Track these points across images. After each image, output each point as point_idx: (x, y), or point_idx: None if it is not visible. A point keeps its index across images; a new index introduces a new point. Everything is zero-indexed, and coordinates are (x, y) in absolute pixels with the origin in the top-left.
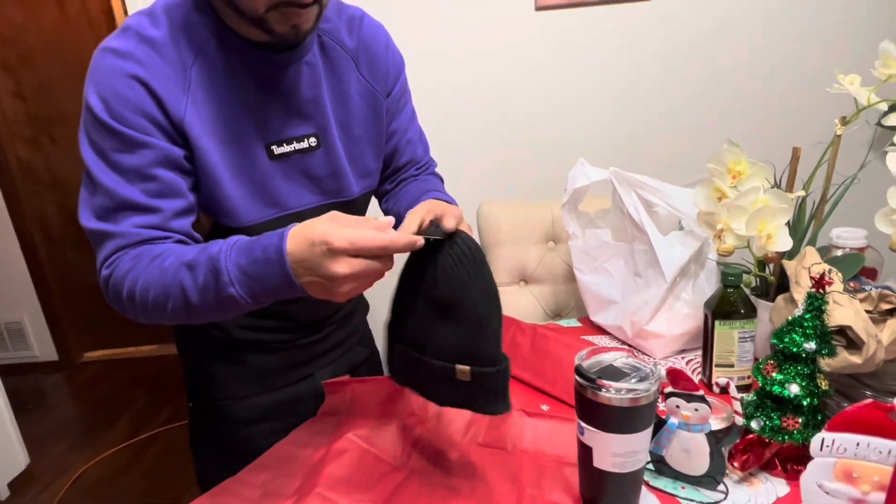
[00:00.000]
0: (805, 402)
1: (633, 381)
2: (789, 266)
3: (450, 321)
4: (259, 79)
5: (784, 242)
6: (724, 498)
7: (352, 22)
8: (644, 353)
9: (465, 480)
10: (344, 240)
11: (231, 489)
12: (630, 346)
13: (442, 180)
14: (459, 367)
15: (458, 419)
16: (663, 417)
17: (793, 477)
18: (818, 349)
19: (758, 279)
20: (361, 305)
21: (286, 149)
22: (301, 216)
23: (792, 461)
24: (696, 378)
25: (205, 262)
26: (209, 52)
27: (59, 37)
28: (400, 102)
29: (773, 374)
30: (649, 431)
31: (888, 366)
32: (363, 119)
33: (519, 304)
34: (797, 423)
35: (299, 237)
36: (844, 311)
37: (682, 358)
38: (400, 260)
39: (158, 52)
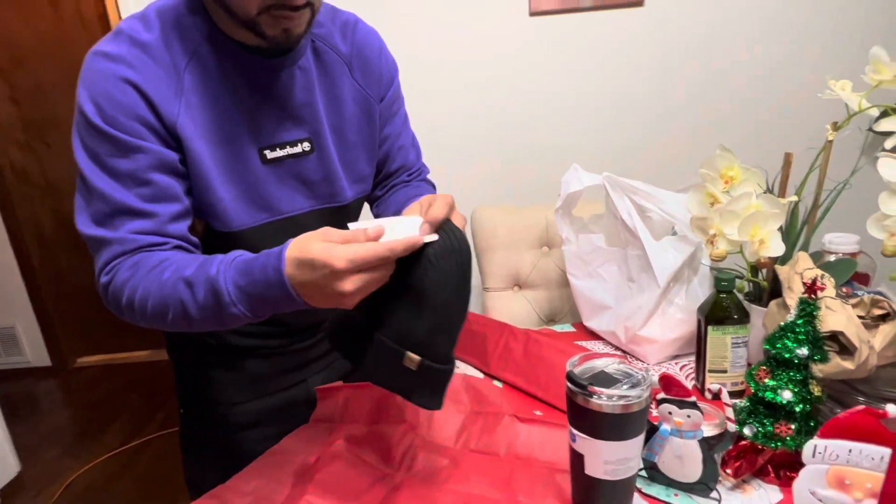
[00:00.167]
0: (798, 409)
1: (625, 387)
2: (782, 271)
3: (416, 309)
4: (252, 83)
5: (776, 248)
6: None
7: (345, 27)
8: (638, 359)
9: (456, 487)
10: (345, 260)
11: (221, 496)
12: (624, 351)
13: (434, 186)
14: (410, 354)
15: (449, 425)
16: (656, 424)
17: (786, 483)
18: (810, 355)
19: (751, 284)
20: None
21: (279, 153)
22: (294, 221)
23: (785, 468)
24: (690, 384)
25: (203, 280)
26: (202, 56)
27: (53, 40)
28: (393, 108)
29: (766, 380)
30: (641, 438)
31: (881, 371)
32: (357, 124)
33: (513, 308)
34: (790, 429)
35: (298, 261)
36: (837, 316)
37: (676, 363)
38: None
39: (151, 55)
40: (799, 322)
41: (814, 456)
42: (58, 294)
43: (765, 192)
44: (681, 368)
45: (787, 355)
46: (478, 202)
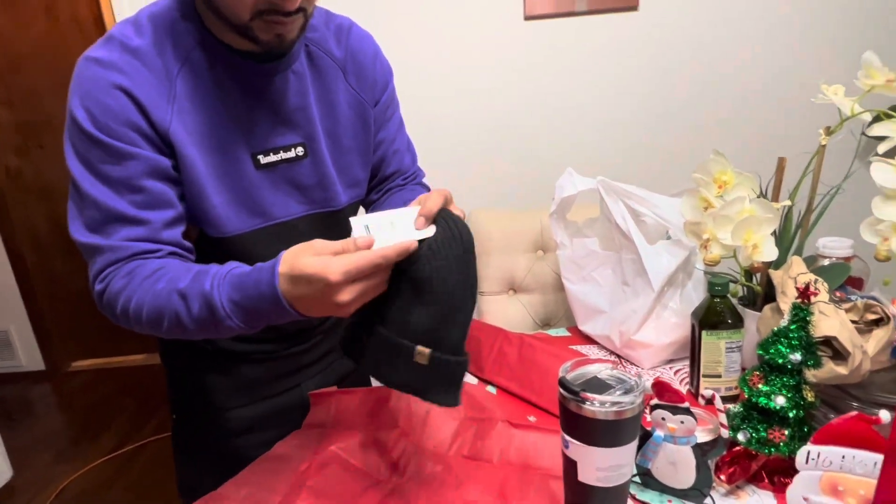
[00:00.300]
0: (791, 414)
1: (618, 393)
2: (776, 276)
3: (423, 301)
4: (245, 88)
5: (770, 252)
6: None
7: (340, 31)
8: (632, 363)
9: (449, 493)
10: (340, 273)
11: (213, 502)
12: (618, 355)
13: (430, 190)
14: (420, 348)
15: (443, 431)
16: (649, 430)
17: (780, 489)
18: (804, 360)
19: (744, 289)
20: None
21: (273, 158)
22: (288, 226)
23: (779, 473)
24: (684, 389)
25: (197, 294)
26: (195, 61)
27: (47, 44)
28: (388, 112)
29: (760, 386)
30: (634, 445)
31: (874, 376)
32: (351, 128)
33: (508, 312)
34: (783, 435)
35: (291, 277)
36: (830, 321)
37: (671, 368)
38: None
39: (142, 61)
40: (792, 327)
41: (807, 462)
42: (52, 297)
43: (758, 197)
44: (675, 373)
45: (780, 361)
46: (473, 206)
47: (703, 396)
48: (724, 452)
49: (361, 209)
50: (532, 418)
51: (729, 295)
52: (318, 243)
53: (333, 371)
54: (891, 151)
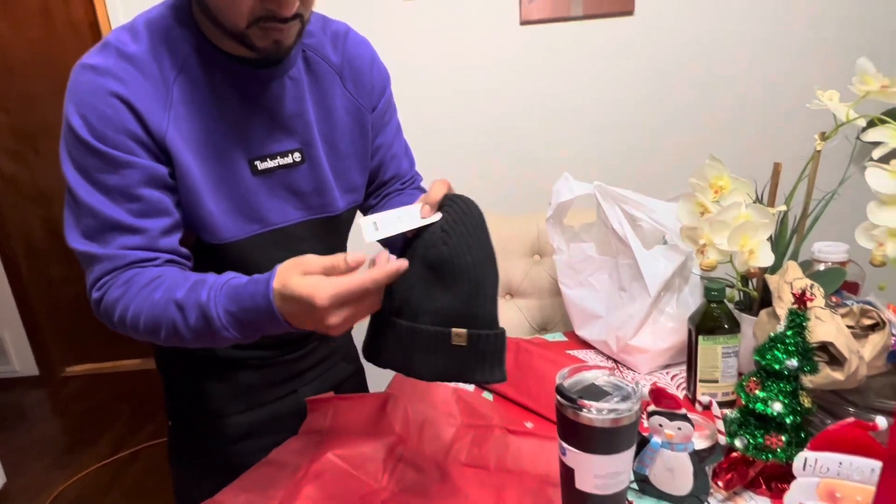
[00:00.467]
0: (788, 420)
1: (615, 400)
2: (772, 281)
3: (447, 283)
4: (242, 94)
5: (766, 258)
6: None
7: (336, 37)
8: (629, 368)
9: (446, 501)
10: (327, 298)
11: None
12: (615, 360)
13: None
14: (456, 330)
15: (440, 437)
16: (646, 436)
17: (777, 495)
18: (800, 366)
19: (741, 293)
20: None
21: (270, 164)
22: (285, 232)
23: (776, 479)
24: (681, 394)
25: (194, 305)
26: (191, 68)
27: (43, 48)
28: (385, 117)
29: (756, 392)
30: (632, 452)
31: (871, 381)
32: (348, 134)
33: (504, 317)
34: (780, 440)
35: (282, 295)
36: (826, 326)
37: (667, 373)
38: None
39: (138, 68)
40: (789, 333)
41: (804, 468)
42: (46, 302)
43: (754, 202)
44: (672, 378)
45: (777, 366)
46: None
47: (700, 403)
48: (722, 459)
49: (359, 214)
50: (529, 424)
51: (725, 300)
52: (309, 261)
53: (330, 377)
54: (886, 157)
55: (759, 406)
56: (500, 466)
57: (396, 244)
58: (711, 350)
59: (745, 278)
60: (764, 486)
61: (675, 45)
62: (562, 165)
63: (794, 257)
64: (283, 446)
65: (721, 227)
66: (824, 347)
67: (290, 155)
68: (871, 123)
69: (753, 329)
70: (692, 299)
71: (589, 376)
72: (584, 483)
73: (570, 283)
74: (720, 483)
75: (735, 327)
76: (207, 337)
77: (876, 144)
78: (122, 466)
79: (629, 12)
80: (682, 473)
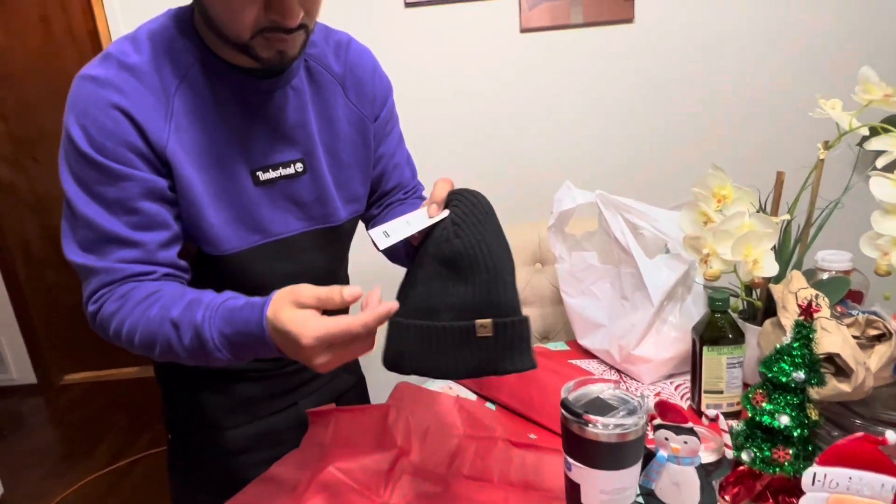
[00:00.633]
0: (795, 433)
1: (621, 414)
2: (776, 290)
3: (464, 275)
4: (244, 104)
5: (770, 268)
6: None
7: (339, 47)
8: (632, 378)
9: None
10: (312, 339)
11: None
12: (618, 370)
13: None
14: (480, 321)
15: (443, 449)
16: (652, 450)
17: None
18: (807, 379)
19: (745, 303)
20: None
21: (272, 175)
22: (287, 242)
23: (784, 493)
24: (686, 404)
25: (189, 325)
26: (193, 78)
27: (42, 56)
28: (387, 127)
29: (763, 404)
30: (638, 466)
31: (877, 392)
32: (350, 144)
33: None
34: (788, 454)
35: (273, 327)
36: (832, 337)
37: (671, 383)
38: None
39: (139, 79)
40: (795, 345)
41: (813, 483)
42: (44, 310)
43: (758, 212)
44: (676, 388)
45: (783, 379)
46: None
47: (706, 416)
48: (729, 472)
49: (362, 224)
50: (533, 436)
51: (729, 310)
52: (303, 291)
53: (331, 389)
54: (889, 165)
55: (766, 419)
56: (503, 479)
57: (405, 252)
58: (716, 360)
59: (748, 288)
60: (771, 500)
61: (676, 53)
62: (563, 173)
63: (798, 267)
64: (283, 459)
65: (724, 236)
66: (830, 359)
67: (291, 165)
68: (874, 132)
69: (758, 339)
70: (695, 308)
71: (594, 389)
72: (589, 499)
73: (572, 291)
74: (727, 497)
75: (739, 337)
76: (201, 356)
77: (879, 153)
78: (120, 476)
79: (629, 20)
80: (688, 487)
